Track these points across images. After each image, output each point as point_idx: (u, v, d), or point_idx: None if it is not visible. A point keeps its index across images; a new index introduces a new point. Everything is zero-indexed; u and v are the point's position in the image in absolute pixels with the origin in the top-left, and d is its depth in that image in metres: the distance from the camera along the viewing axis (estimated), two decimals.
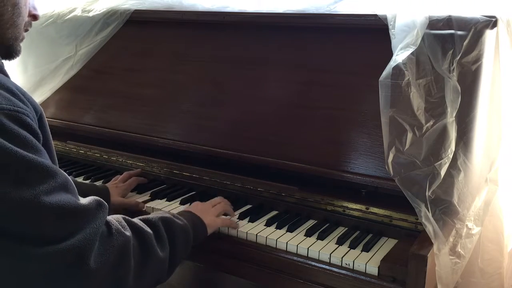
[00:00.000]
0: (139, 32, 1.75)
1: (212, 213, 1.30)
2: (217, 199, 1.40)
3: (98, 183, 1.61)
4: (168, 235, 1.10)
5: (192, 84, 1.65)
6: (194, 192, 1.55)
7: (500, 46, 1.26)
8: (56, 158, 1.05)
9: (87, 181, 1.65)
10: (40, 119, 0.99)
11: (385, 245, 1.25)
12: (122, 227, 0.99)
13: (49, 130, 1.02)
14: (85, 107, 1.87)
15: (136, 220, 1.07)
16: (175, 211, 1.30)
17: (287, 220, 1.37)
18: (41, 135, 0.95)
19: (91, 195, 1.01)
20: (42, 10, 1.86)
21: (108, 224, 0.97)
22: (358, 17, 1.34)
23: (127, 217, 1.05)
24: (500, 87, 1.30)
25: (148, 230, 1.05)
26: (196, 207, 1.31)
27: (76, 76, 1.81)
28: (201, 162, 1.59)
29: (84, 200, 0.94)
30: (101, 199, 0.97)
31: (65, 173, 0.94)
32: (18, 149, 0.85)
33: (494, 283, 1.49)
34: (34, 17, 1.07)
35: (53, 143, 1.04)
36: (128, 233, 0.99)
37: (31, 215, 0.85)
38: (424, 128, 1.18)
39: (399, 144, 1.18)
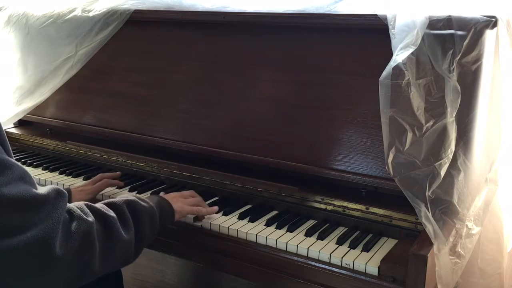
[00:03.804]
0: (139, 32, 1.75)
1: (182, 201, 1.32)
2: (189, 193, 1.41)
3: None
4: (133, 217, 1.13)
5: (192, 84, 1.65)
6: None
7: (500, 46, 1.26)
8: (11, 151, 1.06)
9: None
10: None
11: (385, 245, 1.25)
12: (84, 214, 1.01)
13: (1, 124, 1.04)
14: (85, 107, 1.87)
15: (99, 205, 1.10)
16: None
17: (287, 220, 1.37)
18: None
19: None
20: (42, 10, 1.86)
21: (69, 211, 0.99)
22: (358, 17, 1.34)
23: (89, 203, 1.07)
24: (500, 87, 1.30)
25: (112, 213, 1.08)
26: (169, 195, 1.34)
27: (76, 76, 1.81)
28: (201, 162, 1.59)
29: (42, 190, 0.96)
30: (60, 188, 0.99)
31: (22, 166, 0.97)
32: None
33: (494, 283, 1.49)
34: None
35: (6, 136, 1.05)
36: (90, 218, 1.01)
37: None
38: (424, 128, 1.18)
39: (399, 144, 1.18)
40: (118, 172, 1.63)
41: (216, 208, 1.38)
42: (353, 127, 1.37)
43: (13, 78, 1.93)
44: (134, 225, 1.12)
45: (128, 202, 1.15)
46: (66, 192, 1.00)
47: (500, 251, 1.47)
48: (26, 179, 0.95)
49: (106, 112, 1.82)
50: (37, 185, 0.98)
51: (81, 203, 1.06)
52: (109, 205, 1.11)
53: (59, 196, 0.97)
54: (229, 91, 1.58)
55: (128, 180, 1.65)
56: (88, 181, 1.58)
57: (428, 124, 1.18)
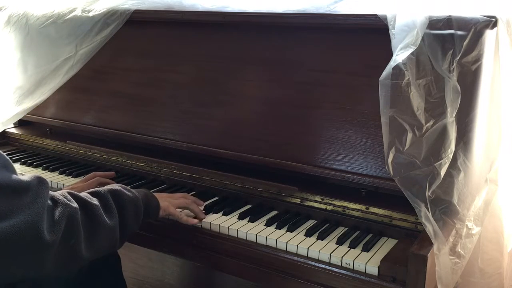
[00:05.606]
0: (139, 32, 1.75)
1: (170, 201, 1.34)
2: (180, 195, 1.41)
3: None
4: (117, 205, 1.16)
5: (192, 84, 1.65)
6: (194, 192, 1.55)
7: (500, 46, 1.26)
8: None
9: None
10: None
11: (385, 245, 1.25)
12: (68, 200, 1.04)
13: None
14: (85, 107, 1.87)
15: (83, 193, 1.12)
16: None
17: (287, 220, 1.37)
18: None
19: None
20: (42, 10, 1.86)
21: (53, 198, 1.02)
22: (358, 17, 1.34)
23: (72, 191, 1.10)
24: (500, 87, 1.30)
25: (94, 201, 1.11)
26: (159, 194, 1.36)
27: (76, 76, 1.81)
28: (201, 162, 1.59)
29: (25, 177, 0.99)
30: (41, 176, 1.02)
31: (4, 153, 0.99)
32: None
33: (494, 283, 1.49)
34: None
35: None
36: (74, 204, 1.04)
37: None
38: (424, 128, 1.18)
39: (399, 144, 1.18)
40: (112, 172, 1.63)
41: (196, 221, 1.36)
42: (353, 127, 1.37)
43: (13, 78, 1.93)
44: (118, 213, 1.15)
45: (112, 191, 1.18)
46: (46, 180, 1.03)
47: (500, 251, 1.47)
48: (9, 167, 0.98)
49: (106, 112, 1.82)
50: (18, 174, 1.00)
51: (63, 191, 1.08)
52: (93, 193, 1.15)
53: (41, 183, 1.00)
54: (229, 91, 1.58)
55: (128, 180, 1.65)
56: (80, 179, 1.58)
57: (428, 124, 1.18)
